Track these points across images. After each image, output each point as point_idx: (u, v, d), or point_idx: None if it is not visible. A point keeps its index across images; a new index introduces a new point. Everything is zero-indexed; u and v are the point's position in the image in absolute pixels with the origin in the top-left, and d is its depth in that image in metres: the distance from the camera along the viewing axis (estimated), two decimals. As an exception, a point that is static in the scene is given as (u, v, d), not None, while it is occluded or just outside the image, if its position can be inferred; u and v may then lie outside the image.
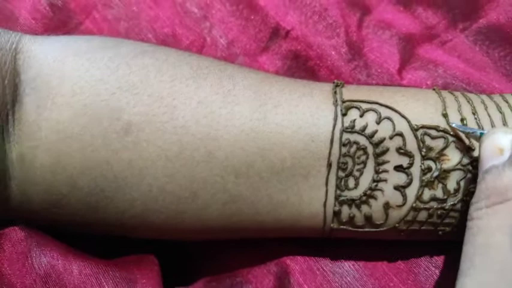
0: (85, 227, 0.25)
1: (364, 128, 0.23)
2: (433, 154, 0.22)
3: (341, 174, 0.23)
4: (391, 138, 0.23)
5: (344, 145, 0.23)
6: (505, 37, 0.31)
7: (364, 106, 0.23)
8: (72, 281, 0.23)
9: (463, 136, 0.22)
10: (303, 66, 0.31)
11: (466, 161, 0.22)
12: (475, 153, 0.22)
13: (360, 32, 0.31)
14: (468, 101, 0.24)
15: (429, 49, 0.32)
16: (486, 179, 0.19)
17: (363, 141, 0.23)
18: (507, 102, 0.24)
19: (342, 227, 0.23)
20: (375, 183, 0.23)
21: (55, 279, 0.23)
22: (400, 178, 0.23)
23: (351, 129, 0.23)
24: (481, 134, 0.21)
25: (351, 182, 0.23)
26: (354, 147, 0.23)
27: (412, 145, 0.22)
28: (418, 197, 0.22)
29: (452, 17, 0.32)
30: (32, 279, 0.23)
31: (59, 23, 0.33)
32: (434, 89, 0.25)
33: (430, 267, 0.25)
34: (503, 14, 0.31)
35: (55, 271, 0.23)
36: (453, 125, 0.22)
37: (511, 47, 0.31)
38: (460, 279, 0.18)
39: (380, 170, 0.23)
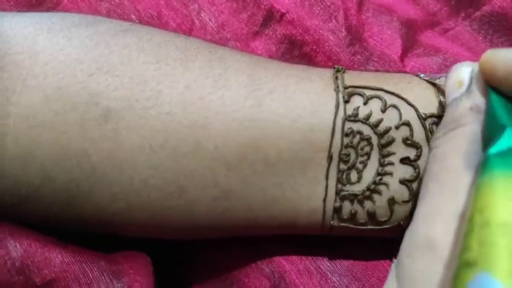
0: (62, 224, 0.23)
1: (368, 116, 0.21)
2: None
3: (343, 167, 0.21)
4: (397, 127, 0.21)
5: (346, 135, 0.21)
6: (510, 25, 0.30)
7: (368, 93, 0.21)
8: (52, 270, 0.21)
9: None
10: (298, 52, 0.29)
11: None
12: None
13: (359, 16, 0.30)
14: None
15: (431, 36, 0.31)
16: (446, 111, 0.19)
17: (367, 130, 0.21)
18: None
19: (342, 224, 0.22)
20: (380, 177, 0.21)
21: (33, 269, 0.21)
22: (407, 171, 0.21)
23: (354, 117, 0.21)
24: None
25: (354, 176, 0.21)
26: (357, 137, 0.21)
27: (419, 135, 0.21)
28: None
29: (454, 3, 0.31)
30: (6, 271, 0.20)
31: (34, 1, 0.30)
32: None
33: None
34: (508, 1, 0.30)
35: (32, 261, 0.21)
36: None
37: (516, 35, 0.29)
38: (416, 209, 0.18)
39: (385, 163, 0.21)
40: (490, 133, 0.16)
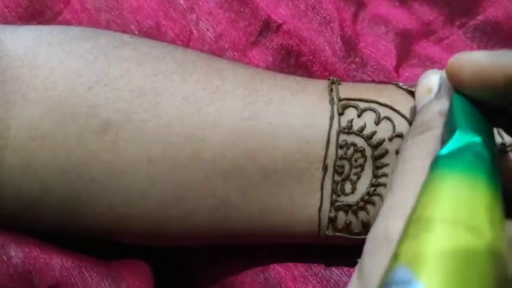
0: (62, 231, 0.23)
1: (362, 128, 0.21)
2: None
3: (337, 178, 0.21)
4: (390, 139, 0.21)
5: (341, 147, 0.21)
6: (503, 34, 0.30)
7: (362, 105, 0.22)
8: (53, 276, 0.21)
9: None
10: (295, 62, 0.29)
11: None
12: None
13: (354, 27, 0.30)
14: None
15: (426, 46, 0.31)
16: (416, 118, 0.19)
17: (360, 142, 0.21)
18: None
19: (337, 233, 0.22)
20: (373, 188, 0.21)
21: (35, 274, 0.21)
22: None
23: (348, 129, 0.21)
24: None
25: (348, 187, 0.21)
26: (351, 149, 0.21)
27: None
28: None
29: (449, 13, 0.32)
30: (8, 276, 0.21)
31: (35, 12, 0.31)
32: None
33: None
34: (502, 10, 0.31)
35: (34, 266, 0.21)
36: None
37: (510, 44, 0.30)
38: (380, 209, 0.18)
39: (379, 174, 0.21)
40: (447, 136, 0.17)
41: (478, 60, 0.17)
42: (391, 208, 0.17)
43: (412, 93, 0.22)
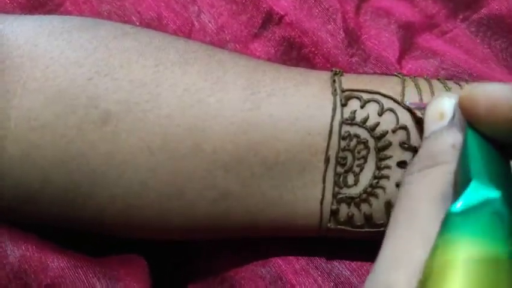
0: (61, 225, 0.23)
1: (365, 120, 0.21)
2: None
3: (339, 170, 0.21)
4: (394, 131, 0.21)
5: (343, 138, 0.21)
6: (507, 28, 0.30)
7: (366, 96, 0.21)
8: (48, 275, 0.21)
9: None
10: (297, 54, 0.29)
11: None
12: None
13: (357, 19, 0.30)
14: None
15: (429, 39, 0.31)
16: (424, 145, 0.18)
17: (363, 134, 0.21)
18: None
19: (339, 226, 0.22)
20: (376, 180, 0.21)
21: (30, 274, 0.21)
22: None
23: (351, 121, 0.21)
24: None
25: (350, 179, 0.21)
26: (354, 140, 0.21)
27: (416, 139, 0.21)
28: None
29: (452, 6, 0.31)
30: (4, 275, 0.21)
31: (36, 3, 0.30)
32: (439, 79, 0.23)
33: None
34: (505, 4, 0.31)
35: (30, 265, 0.21)
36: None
37: (514, 38, 0.30)
38: (380, 252, 0.16)
39: (382, 166, 0.21)
40: (460, 181, 0.15)
41: (494, 96, 0.15)
42: (394, 258, 0.15)
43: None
